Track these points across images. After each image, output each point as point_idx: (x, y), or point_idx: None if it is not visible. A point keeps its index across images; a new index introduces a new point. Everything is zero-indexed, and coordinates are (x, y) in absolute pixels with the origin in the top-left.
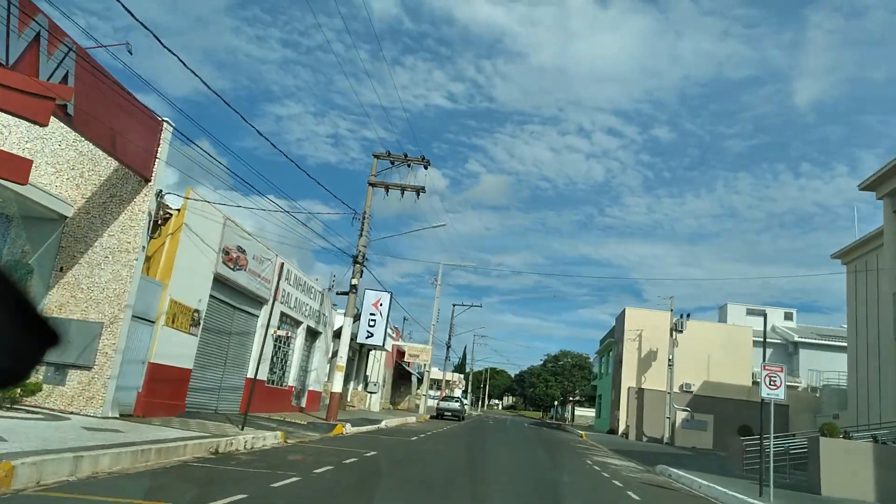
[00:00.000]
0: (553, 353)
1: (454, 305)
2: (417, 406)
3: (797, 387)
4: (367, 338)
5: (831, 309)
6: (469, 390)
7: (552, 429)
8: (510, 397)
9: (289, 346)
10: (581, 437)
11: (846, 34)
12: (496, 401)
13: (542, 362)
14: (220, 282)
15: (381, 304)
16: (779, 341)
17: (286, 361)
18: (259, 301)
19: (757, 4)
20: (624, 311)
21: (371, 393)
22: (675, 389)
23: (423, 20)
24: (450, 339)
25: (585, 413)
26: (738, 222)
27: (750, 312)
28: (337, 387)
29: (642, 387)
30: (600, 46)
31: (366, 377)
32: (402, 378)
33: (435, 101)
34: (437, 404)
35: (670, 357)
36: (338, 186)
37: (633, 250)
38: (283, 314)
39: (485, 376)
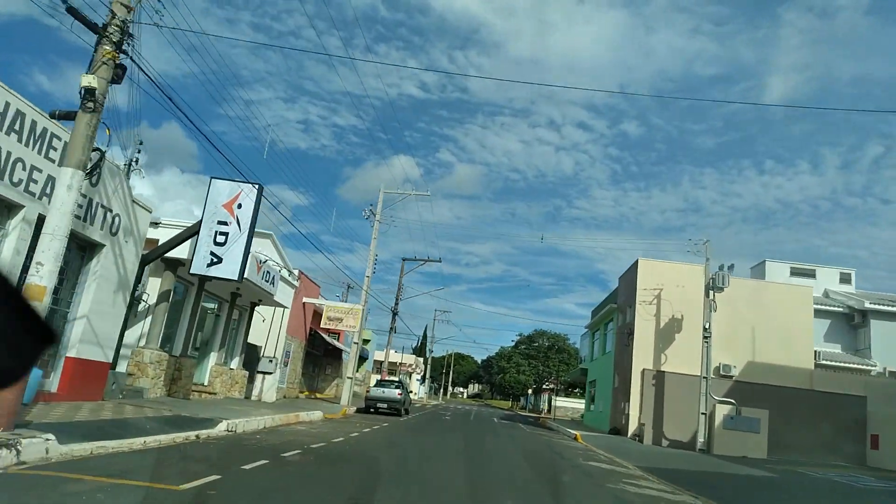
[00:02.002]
0: (527, 333)
1: (404, 260)
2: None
3: (870, 370)
4: (209, 264)
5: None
6: (427, 375)
7: (531, 425)
8: (476, 385)
9: None
10: (577, 440)
11: (818, 33)
12: (461, 388)
13: (513, 343)
14: None
15: (239, 206)
16: (838, 309)
17: None
18: None
19: (727, 2)
20: (636, 265)
21: (264, 373)
22: (710, 374)
23: (399, 8)
24: (397, 303)
25: (568, 404)
26: (701, 217)
27: (795, 272)
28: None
29: (661, 369)
30: (575, 39)
31: (248, 349)
32: (328, 356)
33: (408, 90)
34: (367, 392)
35: (707, 326)
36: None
37: (600, 242)
38: None
39: (446, 361)
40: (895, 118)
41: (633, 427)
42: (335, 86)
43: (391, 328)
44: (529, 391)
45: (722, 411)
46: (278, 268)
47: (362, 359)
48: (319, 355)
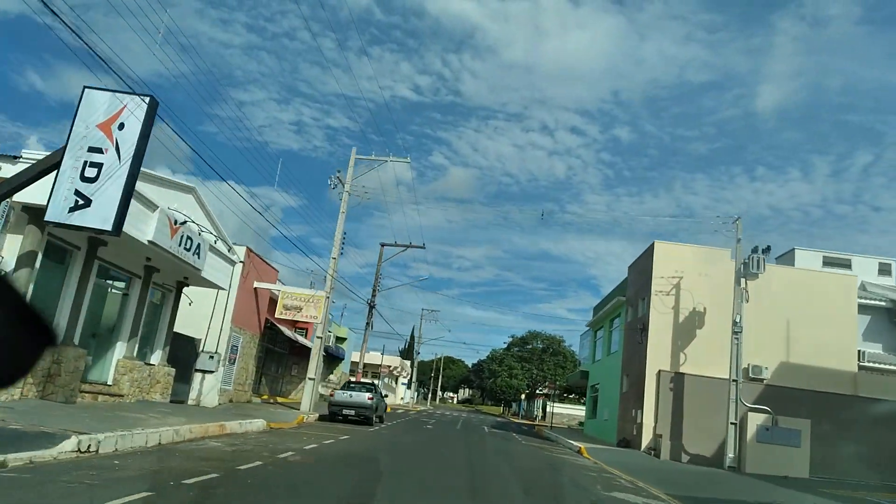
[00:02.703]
0: (519, 335)
1: (382, 245)
2: (324, 398)
3: None
4: (72, 208)
5: None
6: (413, 378)
7: (526, 435)
8: (467, 390)
9: None
10: (582, 454)
11: (810, 42)
12: (451, 394)
13: (505, 346)
14: None
15: (120, 127)
16: (879, 303)
17: None
18: None
19: (719, 10)
20: (651, 249)
21: (203, 372)
22: (738, 376)
23: (395, 11)
24: (374, 294)
25: (564, 410)
26: (694, 222)
27: (828, 262)
28: None
29: (680, 370)
30: (570, 45)
31: (179, 341)
32: (296, 354)
33: (401, 92)
34: (331, 397)
35: (737, 319)
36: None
37: (592, 247)
38: None
39: (435, 365)
40: (884, 126)
41: (646, 438)
42: (329, 87)
43: (367, 323)
44: (522, 396)
45: (755, 421)
46: (212, 237)
47: (337, 359)
48: (284, 353)
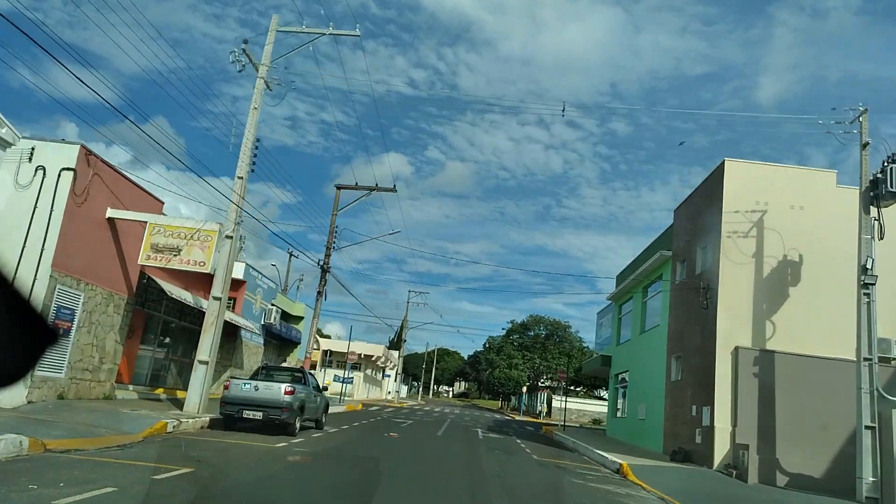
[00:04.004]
0: (520, 321)
1: (339, 188)
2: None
3: None
4: None
5: None
6: (399, 370)
7: (537, 441)
8: (462, 382)
9: None
10: (626, 476)
11: (809, 33)
12: (446, 387)
13: (504, 332)
14: None
15: None
16: None
17: None
18: None
19: (716, 2)
20: (721, 171)
21: None
22: (873, 354)
23: (390, 6)
24: (328, 254)
25: (573, 405)
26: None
27: None
28: None
29: (767, 347)
30: (567, 36)
31: None
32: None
33: (396, 86)
34: (225, 389)
35: (867, 266)
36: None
37: (589, 241)
38: None
39: (426, 357)
40: (882, 119)
41: (721, 449)
42: (322, 82)
43: (319, 292)
44: (524, 389)
45: None
46: None
47: (290, 343)
48: (184, 325)
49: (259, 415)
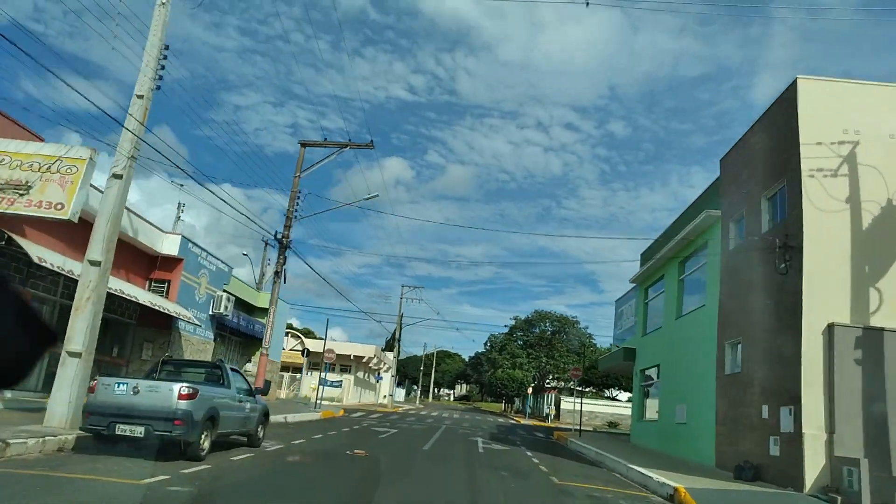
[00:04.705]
0: (524, 316)
1: (304, 145)
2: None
3: None
4: None
5: None
6: (395, 371)
7: (550, 452)
8: (464, 385)
9: None
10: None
11: (807, 31)
12: (447, 390)
13: (507, 329)
14: None
15: None
16: None
17: None
18: None
19: (713, 1)
20: (793, 91)
21: None
22: None
23: (388, 11)
24: (289, 223)
25: (591, 407)
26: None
27: None
28: None
29: (871, 324)
30: (565, 39)
31: None
32: (149, 322)
33: (395, 92)
34: (90, 393)
35: None
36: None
37: (589, 242)
38: None
39: (424, 361)
40: None
41: (813, 465)
42: (323, 89)
43: (277, 272)
44: (529, 390)
45: None
46: None
47: (254, 340)
48: (130, 323)
49: (140, 430)
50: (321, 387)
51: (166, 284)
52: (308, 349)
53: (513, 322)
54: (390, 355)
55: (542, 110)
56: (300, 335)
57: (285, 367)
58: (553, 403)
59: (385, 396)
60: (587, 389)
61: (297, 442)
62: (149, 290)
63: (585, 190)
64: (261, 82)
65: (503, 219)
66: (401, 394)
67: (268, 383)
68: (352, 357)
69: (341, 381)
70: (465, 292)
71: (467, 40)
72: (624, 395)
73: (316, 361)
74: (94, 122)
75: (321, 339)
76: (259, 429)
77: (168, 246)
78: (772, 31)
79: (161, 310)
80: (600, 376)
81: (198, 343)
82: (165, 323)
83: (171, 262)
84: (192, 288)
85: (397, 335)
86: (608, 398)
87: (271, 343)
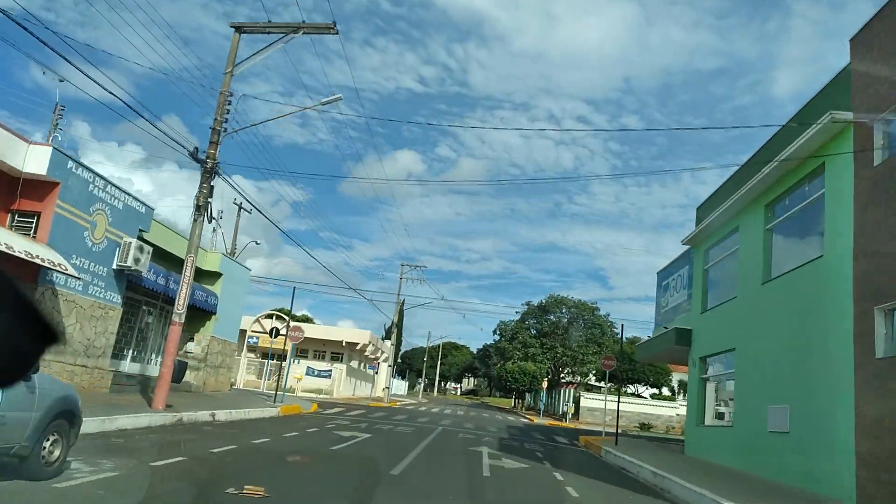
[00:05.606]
0: (536, 302)
1: (237, 29)
2: None
3: None
4: None
5: None
6: (393, 360)
7: (597, 476)
8: (472, 379)
9: None
10: None
11: (828, 25)
12: (454, 384)
13: (518, 316)
14: None
15: None
16: None
17: None
18: None
19: None
20: None
21: None
22: None
23: (401, 3)
24: (218, 131)
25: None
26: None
27: None
28: None
29: None
30: (580, 31)
31: None
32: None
33: (406, 83)
34: None
35: None
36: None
37: (600, 238)
38: None
39: (429, 352)
40: None
41: None
42: (332, 79)
43: (198, 205)
44: (544, 385)
45: None
46: None
47: (204, 313)
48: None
49: None
50: (284, 378)
51: (35, 219)
52: (277, 329)
53: (525, 308)
54: (387, 343)
55: (553, 102)
56: (284, 317)
57: (270, 356)
58: (572, 400)
59: (383, 389)
60: (607, 385)
61: (159, 463)
62: (11, 226)
63: (597, 185)
64: (269, 72)
65: (514, 213)
66: (402, 387)
67: (181, 365)
68: (343, 343)
69: (330, 370)
70: (475, 287)
71: (480, 31)
72: (647, 392)
73: (305, 348)
74: None
75: (323, 327)
76: (49, 443)
77: (33, 162)
78: (791, 25)
79: (10, 252)
80: (624, 370)
81: (90, 307)
82: (30, 276)
83: (40, 187)
84: (78, 228)
85: (395, 320)
86: (632, 395)
87: (221, 316)
